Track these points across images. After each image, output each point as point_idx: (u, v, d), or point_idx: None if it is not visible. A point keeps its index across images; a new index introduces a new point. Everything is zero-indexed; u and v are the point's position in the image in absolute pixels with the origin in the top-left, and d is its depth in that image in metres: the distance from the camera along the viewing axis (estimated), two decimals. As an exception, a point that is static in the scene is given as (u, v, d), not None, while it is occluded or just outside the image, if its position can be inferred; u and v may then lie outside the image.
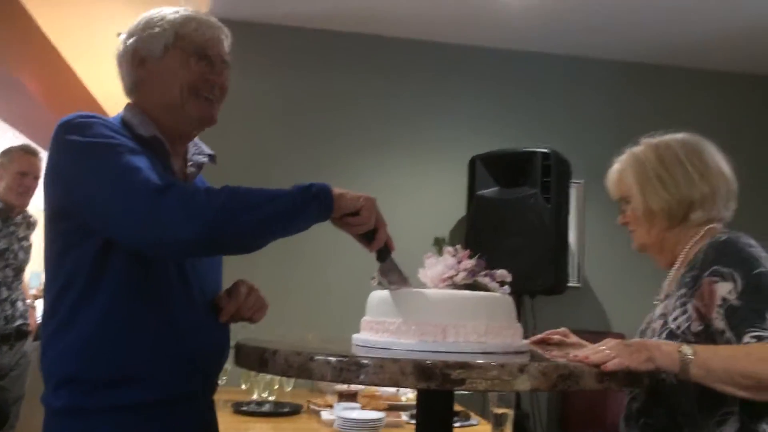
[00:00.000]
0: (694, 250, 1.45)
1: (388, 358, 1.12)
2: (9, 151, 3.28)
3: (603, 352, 1.20)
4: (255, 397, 2.83)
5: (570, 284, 3.86)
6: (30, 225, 3.37)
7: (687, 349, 1.23)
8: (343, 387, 3.01)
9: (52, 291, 1.28)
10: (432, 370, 1.09)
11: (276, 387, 2.83)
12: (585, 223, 4.20)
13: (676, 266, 1.50)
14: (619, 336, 3.93)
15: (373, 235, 1.33)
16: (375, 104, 4.05)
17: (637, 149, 1.57)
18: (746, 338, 1.25)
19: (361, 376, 1.12)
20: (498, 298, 1.37)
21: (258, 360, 1.23)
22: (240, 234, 1.20)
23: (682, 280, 1.43)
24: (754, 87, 4.42)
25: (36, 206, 3.60)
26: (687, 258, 1.46)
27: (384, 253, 1.37)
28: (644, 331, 1.54)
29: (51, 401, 1.27)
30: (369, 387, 3.12)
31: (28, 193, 3.23)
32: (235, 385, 2.98)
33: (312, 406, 2.82)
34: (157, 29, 1.35)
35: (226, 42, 1.41)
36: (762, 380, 1.20)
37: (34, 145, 3.51)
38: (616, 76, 4.31)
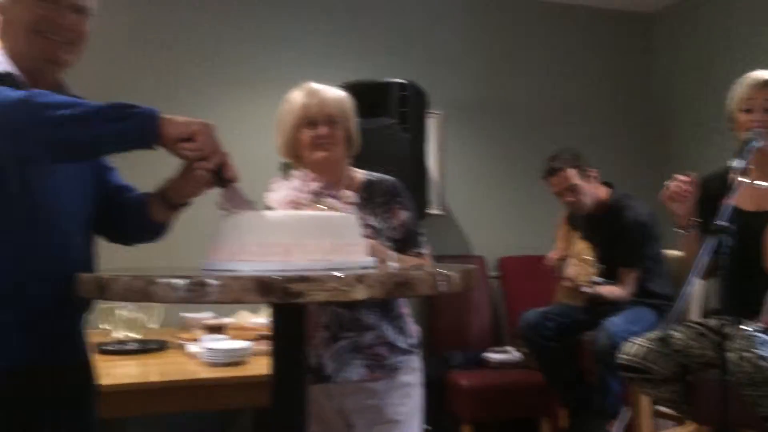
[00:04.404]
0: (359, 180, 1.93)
1: (230, 276, 1.15)
2: None
3: None
4: (117, 335, 2.78)
5: (433, 212, 4.03)
6: None
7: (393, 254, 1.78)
8: (211, 321, 3.02)
9: None
10: (272, 285, 1.12)
11: (140, 326, 2.79)
12: (446, 152, 4.35)
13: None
14: (479, 260, 4.17)
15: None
16: (223, 39, 3.94)
17: None
18: (410, 252, 1.90)
19: (206, 296, 1.14)
20: (342, 216, 1.42)
21: (96, 286, 1.22)
22: (44, 135, 1.21)
23: (366, 202, 1.88)
24: (616, 22, 4.68)
25: None
26: (353, 183, 1.90)
27: (223, 180, 1.36)
28: None
29: None
30: (238, 320, 3.14)
31: None
32: (93, 327, 2.91)
33: (179, 341, 2.81)
34: None
35: None
36: None
37: None
38: (474, 8, 4.42)
